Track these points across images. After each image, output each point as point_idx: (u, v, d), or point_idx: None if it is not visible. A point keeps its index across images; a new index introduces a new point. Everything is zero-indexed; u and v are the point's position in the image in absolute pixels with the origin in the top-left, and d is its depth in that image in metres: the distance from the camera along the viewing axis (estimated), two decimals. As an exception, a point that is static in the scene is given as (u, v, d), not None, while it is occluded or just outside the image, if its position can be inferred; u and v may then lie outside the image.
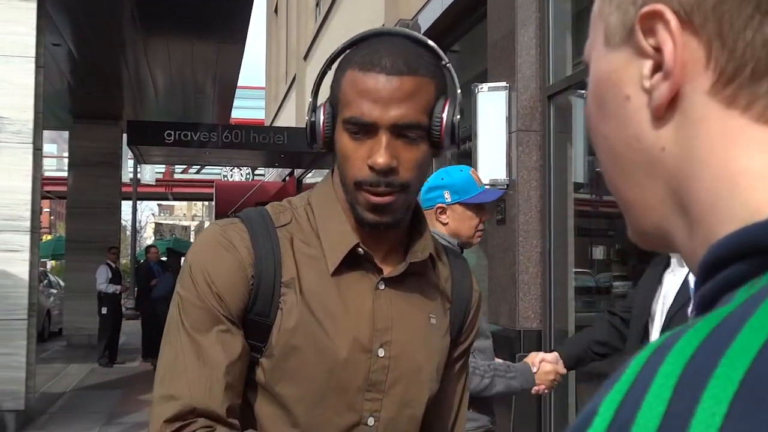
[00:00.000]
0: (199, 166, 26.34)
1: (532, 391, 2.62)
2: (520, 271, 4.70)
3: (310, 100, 1.22)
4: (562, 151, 4.79)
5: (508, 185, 4.81)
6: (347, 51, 1.17)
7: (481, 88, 4.97)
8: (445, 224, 2.61)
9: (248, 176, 24.79)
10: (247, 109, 33.38)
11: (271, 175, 19.41)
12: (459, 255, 1.34)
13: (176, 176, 34.02)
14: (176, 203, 54.33)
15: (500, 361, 2.55)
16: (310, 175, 12.01)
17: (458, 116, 1.12)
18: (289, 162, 12.72)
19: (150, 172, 24.01)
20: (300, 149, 10.84)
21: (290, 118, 15.66)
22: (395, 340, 1.16)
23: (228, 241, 1.12)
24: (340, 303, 1.14)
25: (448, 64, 1.16)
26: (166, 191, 33.81)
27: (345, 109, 1.11)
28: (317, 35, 12.72)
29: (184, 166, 30.30)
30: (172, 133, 9.94)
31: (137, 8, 7.73)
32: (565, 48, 4.82)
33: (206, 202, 38.41)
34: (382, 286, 1.17)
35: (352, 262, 1.15)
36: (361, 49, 1.13)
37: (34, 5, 6.21)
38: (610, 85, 0.47)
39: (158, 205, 55.65)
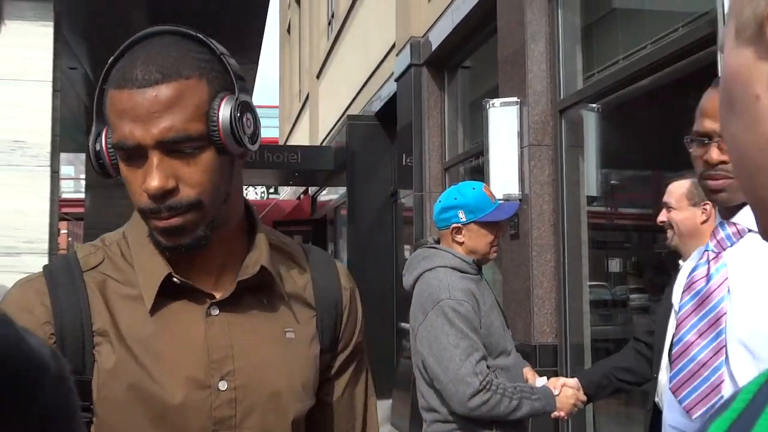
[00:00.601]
0: (214, 186, 26.44)
1: (552, 416, 2.58)
2: (534, 285, 4.69)
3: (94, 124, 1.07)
4: (575, 164, 4.80)
5: (521, 199, 4.82)
6: (112, 64, 1.02)
7: (493, 104, 4.99)
8: (461, 243, 2.61)
9: (263, 195, 24.91)
10: (262, 128, 33.56)
11: (286, 193, 19.49)
12: (323, 254, 1.22)
13: (192, 196, 34.19)
14: (192, 223, 54.40)
15: (522, 383, 2.53)
16: (324, 192, 12.06)
17: (239, 113, 0.99)
18: (303, 180, 12.77)
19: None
20: (313, 167, 10.89)
21: (304, 136, 15.74)
22: (239, 367, 1.04)
23: (24, 303, 1.03)
24: (167, 340, 1.03)
25: (222, 55, 1.01)
26: (182, 211, 34.00)
27: (112, 133, 1.00)
28: (329, 53, 12.81)
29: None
30: (187, 153, 10.02)
31: (151, 31, 7.82)
32: (575, 62, 4.84)
33: (222, 222, 38.52)
34: (216, 312, 1.05)
35: (172, 293, 1.04)
36: (120, 62, 1.00)
37: (50, 30, 6.30)
38: (739, 82, 0.44)
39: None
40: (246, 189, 27.61)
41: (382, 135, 9.20)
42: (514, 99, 4.92)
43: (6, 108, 6.11)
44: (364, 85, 9.89)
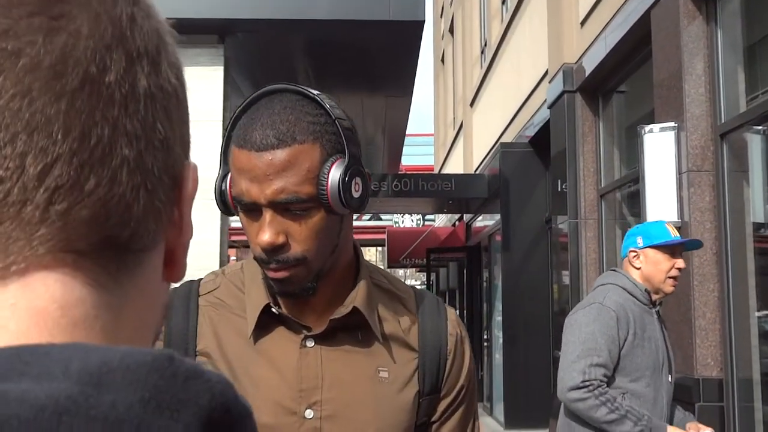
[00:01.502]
0: (371, 214, 27.17)
1: None
2: (696, 316, 4.51)
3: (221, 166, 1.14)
4: (738, 190, 4.59)
5: (679, 227, 4.66)
6: (238, 117, 1.09)
7: (649, 129, 4.88)
8: (638, 268, 2.75)
9: (419, 222, 25.21)
10: (417, 156, 34.09)
11: (441, 220, 19.67)
12: (433, 300, 1.25)
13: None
14: (351, 249, 55.72)
15: (641, 410, 2.58)
16: (479, 219, 12.09)
17: (347, 177, 1.03)
18: (458, 208, 12.87)
19: (326, 221, 24.93)
20: (467, 195, 10.96)
21: (458, 164, 15.86)
22: (327, 399, 1.10)
23: None
24: (263, 365, 1.10)
25: (336, 120, 1.05)
26: (341, 238, 34.91)
27: (233, 185, 1.07)
28: (482, 82, 12.89)
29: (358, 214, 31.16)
30: (345, 184, 10.36)
31: (312, 69, 8.24)
32: (737, 83, 4.64)
33: (380, 248, 39.37)
34: (311, 344, 1.12)
35: (273, 323, 1.12)
36: (242, 120, 1.07)
37: (221, 73, 6.79)
38: None
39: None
40: (402, 216, 28.12)
41: (535, 162, 9.15)
42: (671, 124, 4.78)
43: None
44: (517, 113, 9.88)
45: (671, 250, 2.75)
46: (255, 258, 1.08)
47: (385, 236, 18.05)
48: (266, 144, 1.02)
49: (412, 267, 17.82)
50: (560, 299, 7.17)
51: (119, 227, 0.39)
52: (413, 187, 10.52)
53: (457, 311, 14.93)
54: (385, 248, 17.27)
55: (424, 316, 1.20)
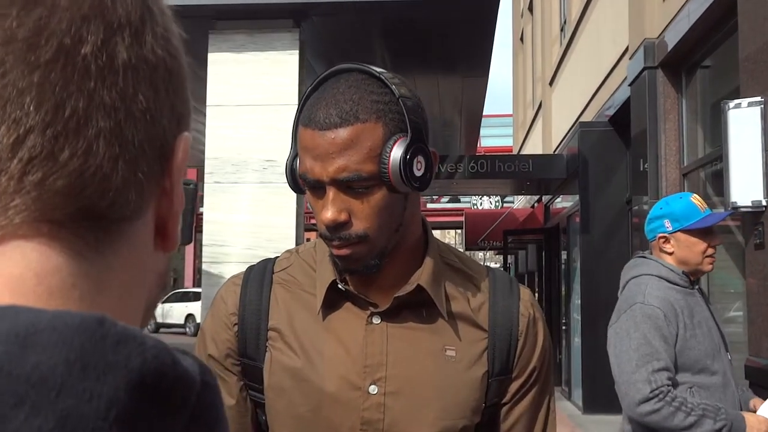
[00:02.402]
0: (449, 196, 27.07)
1: None
2: (783, 299, 4.33)
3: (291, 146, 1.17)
4: (830, 168, 4.36)
5: (766, 206, 4.47)
6: (307, 97, 1.11)
7: (734, 105, 4.69)
8: (670, 253, 2.57)
9: (497, 204, 25.00)
10: (497, 137, 33.76)
11: (519, 201, 19.44)
12: (507, 279, 1.23)
13: (429, 206, 35.16)
14: (430, 232, 55.89)
15: (713, 403, 2.41)
16: (558, 200, 11.89)
17: (409, 155, 1.04)
18: (536, 189, 12.68)
19: (404, 203, 25.01)
20: (545, 176, 10.78)
21: (537, 144, 15.63)
22: (392, 375, 1.11)
23: (224, 293, 1.20)
24: (330, 341, 1.12)
25: (400, 98, 1.05)
26: (419, 221, 34.96)
27: (300, 163, 1.09)
28: (562, 60, 12.63)
29: (435, 197, 31.23)
30: (421, 166, 10.35)
31: (387, 52, 8.24)
32: (830, 55, 4.41)
33: (458, 231, 39.26)
34: (377, 320, 1.13)
35: (342, 300, 1.14)
36: (310, 99, 1.09)
37: (296, 57, 6.86)
38: None
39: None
40: (480, 198, 27.91)
41: (616, 141, 8.92)
42: (758, 99, 4.58)
43: (261, 130, 6.75)
44: (597, 91, 9.65)
45: (704, 228, 2.55)
46: (320, 235, 1.10)
47: (463, 219, 17.98)
48: (329, 123, 1.03)
49: (490, 249, 17.69)
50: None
51: (96, 198, 0.39)
52: (490, 169, 10.42)
53: (536, 294, 14.82)
54: (463, 230, 17.20)
55: (496, 295, 1.19)
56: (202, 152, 7.06)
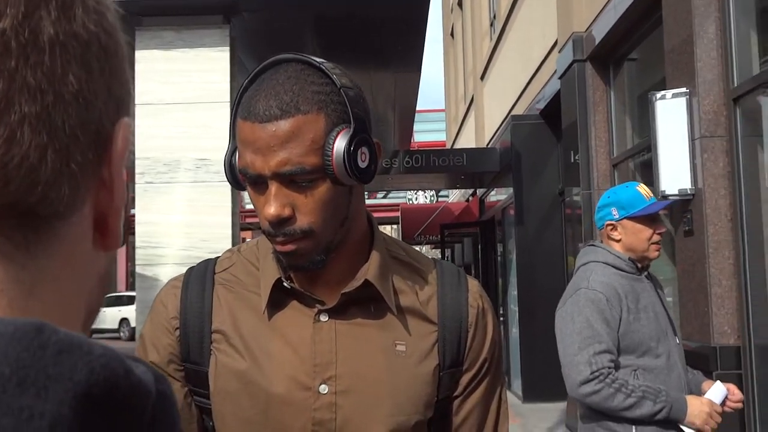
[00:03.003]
0: (384, 192, 27.14)
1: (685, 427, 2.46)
2: (712, 284, 4.46)
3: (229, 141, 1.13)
4: (753, 156, 4.51)
5: (693, 194, 4.60)
6: (244, 90, 1.07)
7: (660, 96, 4.80)
8: (618, 241, 2.64)
9: (432, 198, 25.16)
10: (430, 132, 33.98)
11: (454, 195, 19.61)
12: (454, 271, 1.22)
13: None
14: (366, 228, 56.06)
15: (654, 385, 2.47)
16: (492, 193, 12.03)
17: (352, 147, 1.01)
18: (471, 182, 12.81)
19: (340, 200, 24.98)
20: (479, 169, 10.90)
21: (470, 138, 15.78)
22: (342, 374, 1.08)
23: (163, 297, 1.17)
24: (277, 341, 1.09)
25: (342, 89, 1.03)
26: (355, 217, 35.01)
27: (240, 158, 1.06)
28: (492, 54, 12.77)
29: (371, 192, 31.26)
30: (356, 162, 10.34)
31: (319, 48, 8.19)
32: (750, 46, 4.55)
33: (394, 226, 39.41)
34: (324, 318, 1.10)
35: (287, 298, 1.11)
36: (248, 91, 1.05)
37: (227, 54, 6.75)
38: None
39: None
40: (415, 193, 28.07)
41: (547, 134, 9.07)
42: (683, 90, 4.70)
43: (193, 129, 6.63)
44: (527, 85, 9.79)
45: (650, 216, 2.63)
46: (263, 231, 1.07)
47: (399, 214, 18.03)
48: (269, 115, 1.00)
49: (427, 244, 17.79)
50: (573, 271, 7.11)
51: (23, 192, 0.35)
52: (425, 163, 10.47)
53: (473, 286, 14.93)
54: (399, 225, 17.26)
55: (444, 288, 1.17)
56: (132, 152, 6.89)
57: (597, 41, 6.56)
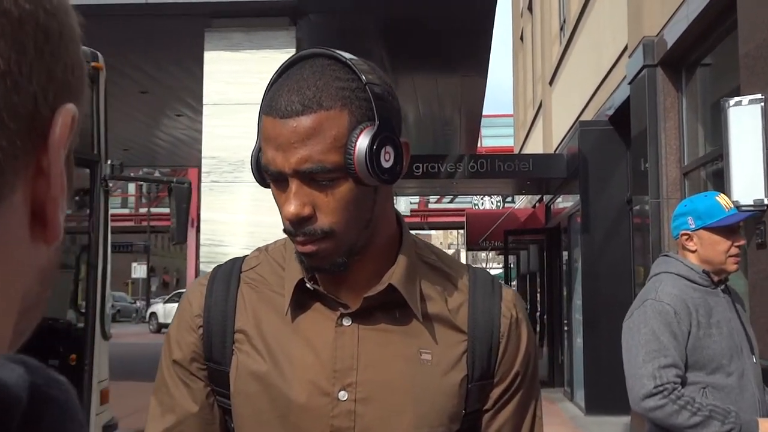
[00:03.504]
0: (452, 196, 27.05)
1: None
2: (785, 298, 4.27)
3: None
4: (832, 165, 4.30)
5: (767, 206, 4.42)
6: (270, 85, 1.03)
7: (734, 103, 4.63)
8: (693, 252, 2.55)
9: (499, 204, 24.95)
10: (498, 137, 33.73)
11: (521, 201, 19.39)
12: (488, 278, 1.16)
13: (430, 206, 35.14)
14: (432, 232, 56.15)
15: (725, 405, 2.34)
16: (559, 200, 11.83)
17: (376, 145, 0.97)
18: (537, 188, 12.63)
19: (405, 204, 25.03)
20: (545, 175, 10.74)
21: (538, 144, 15.57)
22: (362, 380, 1.04)
23: (189, 295, 1.15)
24: (299, 344, 1.06)
25: (368, 85, 0.98)
26: (421, 221, 35.04)
27: (262, 154, 1.02)
28: (561, 59, 12.57)
29: (438, 197, 31.20)
30: (421, 165, 10.31)
31: (385, 50, 8.20)
32: (831, 52, 4.35)
33: (461, 231, 39.21)
34: (347, 322, 1.06)
35: (309, 299, 1.07)
36: (274, 86, 1.01)
37: (293, 52, 6.79)
38: None
39: (416, 234, 57.48)
40: (481, 198, 27.90)
41: (616, 140, 8.86)
42: (759, 96, 4.52)
43: (255, 131, 6.72)
44: (596, 90, 9.60)
45: (728, 227, 2.51)
46: (284, 231, 1.03)
47: (464, 219, 17.93)
48: (291, 110, 0.96)
49: (491, 250, 17.64)
50: (643, 282, 6.93)
51: None
52: (490, 168, 10.38)
53: (538, 294, 14.75)
54: (465, 231, 17.15)
55: (476, 295, 1.12)
56: (200, 151, 7.01)
57: (668, 46, 6.38)
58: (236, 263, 1.16)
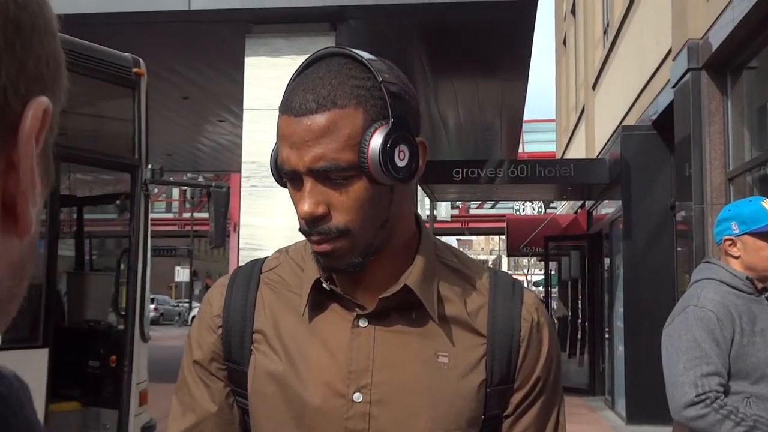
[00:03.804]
0: (493, 201, 26.92)
1: None
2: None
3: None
4: None
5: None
6: (289, 85, 1.04)
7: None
8: (736, 258, 2.48)
9: (540, 210, 24.74)
10: (540, 142, 33.47)
11: (563, 207, 19.18)
12: (509, 281, 1.14)
13: (471, 212, 35.00)
14: (474, 238, 55.94)
15: None
16: (601, 206, 11.68)
17: (390, 144, 0.96)
18: (578, 194, 12.48)
19: (445, 209, 24.97)
20: (587, 181, 10.61)
21: (580, 149, 15.40)
22: (378, 382, 1.03)
23: (210, 295, 1.15)
24: (315, 345, 1.06)
25: (383, 84, 0.98)
26: (462, 227, 34.91)
27: (278, 153, 1.03)
28: (605, 63, 12.43)
29: (479, 202, 31.07)
30: (460, 170, 10.26)
31: (425, 55, 8.20)
32: None
33: (502, 236, 38.97)
34: (363, 323, 1.05)
35: (326, 299, 1.07)
36: (290, 85, 1.02)
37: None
38: None
39: (457, 240, 57.47)
40: (523, 203, 27.71)
41: (659, 145, 8.72)
42: (806, 100, 4.41)
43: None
44: (640, 94, 9.46)
45: None
46: (300, 230, 1.03)
47: (505, 225, 17.81)
48: (305, 108, 0.97)
49: (532, 256, 17.48)
50: (686, 289, 6.79)
51: None
52: (530, 173, 10.29)
53: (579, 301, 14.57)
54: (506, 236, 17.03)
55: (496, 298, 1.10)
56: (240, 156, 7.08)
57: (713, 49, 6.25)
58: (257, 264, 1.16)
